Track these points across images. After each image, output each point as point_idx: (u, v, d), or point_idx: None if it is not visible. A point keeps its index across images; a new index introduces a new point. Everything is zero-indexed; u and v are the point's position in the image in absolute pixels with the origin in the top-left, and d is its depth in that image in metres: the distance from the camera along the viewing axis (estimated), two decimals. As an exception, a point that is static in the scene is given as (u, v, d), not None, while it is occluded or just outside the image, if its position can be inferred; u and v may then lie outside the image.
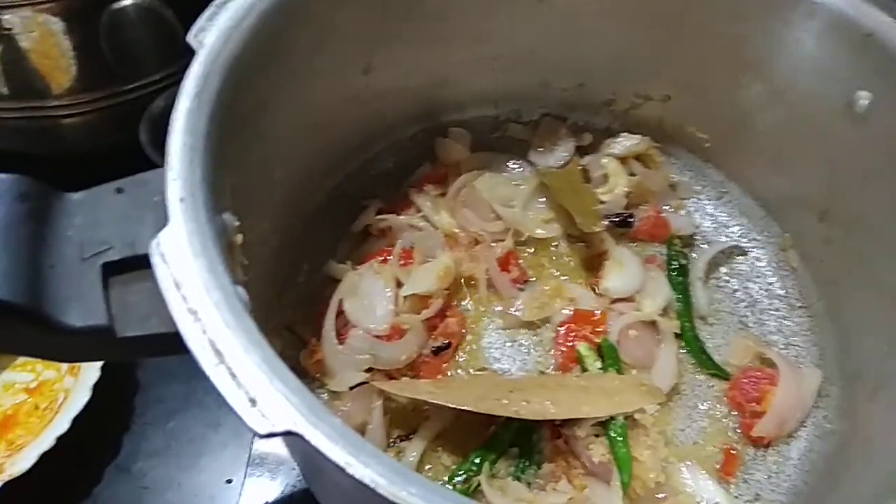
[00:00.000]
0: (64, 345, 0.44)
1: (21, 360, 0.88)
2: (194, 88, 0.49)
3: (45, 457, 0.75)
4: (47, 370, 0.87)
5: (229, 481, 0.82)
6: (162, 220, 0.45)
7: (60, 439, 0.77)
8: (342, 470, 0.35)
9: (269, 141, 0.61)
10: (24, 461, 0.75)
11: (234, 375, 0.37)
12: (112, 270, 0.45)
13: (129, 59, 0.94)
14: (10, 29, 0.86)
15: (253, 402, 0.37)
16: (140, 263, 0.45)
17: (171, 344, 0.43)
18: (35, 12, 0.86)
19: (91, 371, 0.81)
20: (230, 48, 0.53)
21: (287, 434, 0.36)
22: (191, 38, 0.52)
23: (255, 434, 0.36)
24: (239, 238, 0.51)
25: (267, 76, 0.58)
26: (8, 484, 0.74)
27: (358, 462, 0.35)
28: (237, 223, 0.51)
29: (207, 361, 0.38)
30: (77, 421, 0.78)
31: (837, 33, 0.66)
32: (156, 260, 0.41)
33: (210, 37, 0.53)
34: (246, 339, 0.39)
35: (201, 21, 0.53)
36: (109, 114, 0.97)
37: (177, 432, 0.86)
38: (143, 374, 0.90)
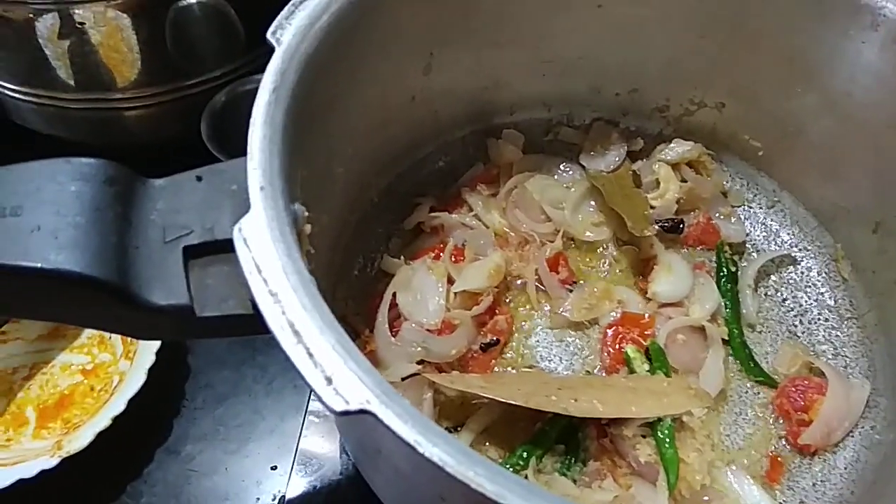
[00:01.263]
0: (147, 321, 0.46)
1: (79, 342, 0.91)
2: (272, 83, 0.51)
3: (101, 436, 0.78)
4: (103, 353, 0.90)
5: (274, 468, 0.84)
6: (239, 208, 0.47)
7: (116, 419, 0.79)
8: (413, 448, 0.37)
9: (333, 136, 0.63)
10: (81, 439, 0.78)
11: (311, 355, 0.39)
12: (192, 253, 0.47)
13: (192, 55, 0.97)
14: (82, 24, 0.89)
15: (329, 380, 0.38)
16: (218, 248, 0.47)
17: (248, 325, 0.45)
18: (106, 8, 0.89)
19: (147, 355, 0.84)
20: (305, 46, 0.55)
21: (360, 412, 0.38)
22: (270, 35, 0.55)
23: (331, 411, 0.38)
24: (308, 228, 0.53)
25: (336, 74, 0.60)
26: (65, 461, 0.76)
27: (427, 441, 0.37)
28: (307, 213, 0.53)
29: (287, 341, 0.39)
30: (132, 403, 0.80)
31: (899, 45, 0.66)
32: (238, 244, 0.43)
33: (287, 35, 0.55)
34: (321, 321, 0.41)
35: (280, 19, 0.56)
36: (171, 107, 1.00)
37: (225, 418, 0.88)
38: (194, 360, 0.92)
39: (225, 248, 0.46)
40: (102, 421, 0.79)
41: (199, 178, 0.51)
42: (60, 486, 0.78)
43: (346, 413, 0.38)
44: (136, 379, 0.83)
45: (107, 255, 0.44)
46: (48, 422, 0.85)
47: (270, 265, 0.42)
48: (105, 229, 0.45)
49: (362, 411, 0.38)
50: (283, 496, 0.79)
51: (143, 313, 0.45)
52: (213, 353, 0.93)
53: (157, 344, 0.84)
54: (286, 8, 0.56)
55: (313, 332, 0.40)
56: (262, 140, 0.48)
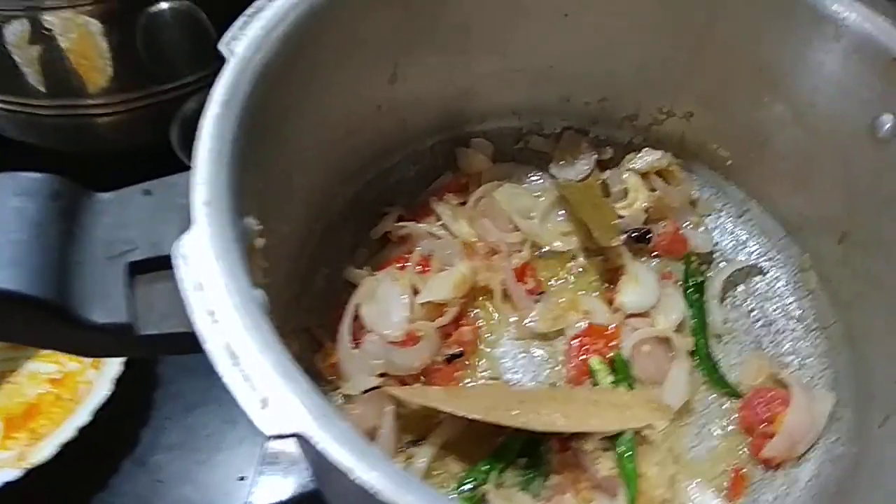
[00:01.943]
0: (86, 340, 0.45)
1: (46, 350, 0.90)
2: (223, 96, 0.51)
3: (65, 447, 0.77)
4: (71, 362, 0.89)
5: (242, 478, 0.84)
6: (186, 223, 0.46)
7: (81, 430, 0.78)
8: (345, 474, 0.36)
9: (292, 147, 0.62)
10: (45, 450, 0.77)
11: (247, 377, 0.39)
12: (136, 269, 0.47)
13: (164, 61, 0.96)
14: (50, 30, 0.88)
15: (265, 403, 0.38)
16: (163, 264, 0.46)
17: (190, 343, 0.44)
18: (75, 14, 0.88)
19: (113, 365, 0.83)
20: (259, 57, 0.55)
21: (295, 436, 0.37)
22: (222, 46, 0.54)
23: (264, 435, 0.37)
24: (260, 242, 0.52)
25: (294, 84, 0.60)
26: (30, 472, 0.75)
27: (362, 467, 0.36)
28: (259, 227, 0.52)
29: (222, 362, 0.39)
30: (98, 413, 0.80)
31: (862, 56, 0.66)
32: (178, 262, 0.42)
33: (240, 46, 0.54)
34: (261, 342, 0.40)
35: (233, 30, 0.55)
36: (143, 114, 0.99)
37: (194, 428, 0.87)
38: (164, 369, 0.91)
39: (170, 264, 0.45)
40: (67, 432, 0.79)
41: (147, 192, 0.50)
42: (25, 499, 0.78)
43: (280, 437, 0.37)
44: (102, 389, 0.82)
45: (46, 273, 0.44)
46: (14, 432, 0.84)
47: (210, 283, 0.42)
48: (46, 246, 0.45)
49: (297, 435, 0.37)
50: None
51: (82, 332, 0.44)
52: (182, 361, 0.92)
53: (123, 354, 0.83)
54: (240, 18, 0.56)
55: (251, 353, 0.40)
56: (208, 154, 0.48)
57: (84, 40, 0.90)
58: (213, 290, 0.41)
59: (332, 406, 0.39)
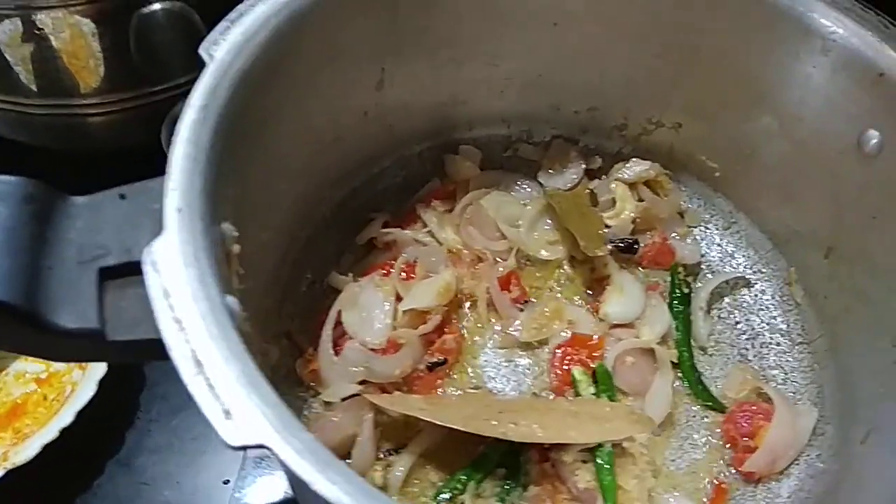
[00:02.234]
0: (55, 345, 0.45)
1: (33, 350, 0.90)
2: (201, 101, 0.51)
3: (48, 448, 0.77)
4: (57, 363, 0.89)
5: (226, 482, 0.83)
6: (160, 228, 0.46)
7: (64, 431, 0.78)
8: (308, 486, 0.36)
9: (274, 153, 0.62)
10: (27, 451, 0.77)
11: (211, 386, 0.38)
12: (108, 275, 0.46)
13: (157, 62, 0.96)
14: (42, 29, 0.88)
15: (227, 413, 0.38)
16: (135, 269, 0.46)
17: (159, 350, 0.44)
18: (67, 14, 0.88)
19: (99, 366, 0.83)
20: (240, 63, 0.54)
21: (258, 447, 0.37)
22: (202, 50, 0.54)
23: (227, 445, 0.37)
24: (236, 248, 0.52)
25: (275, 90, 0.59)
26: (11, 473, 0.75)
27: (325, 479, 0.36)
28: (236, 234, 0.52)
29: (187, 370, 0.39)
30: (82, 414, 0.79)
31: (850, 71, 0.66)
32: (147, 268, 0.42)
33: (220, 50, 0.54)
34: (227, 351, 0.40)
35: (214, 35, 0.55)
36: (135, 114, 0.99)
37: (179, 430, 0.87)
38: (150, 370, 0.91)
39: (141, 270, 0.45)
40: (50, 433, 0.78)
41: (122, 196, 0.50)
42: (7, 499, 0.77)
43: (243, 448, 0.37)
44: (86, 390, 0.82)
45: (15, 277, 0.43)
46: (-1, 431, 0.84)
47: (179, 290, 0.41)
48: (17, 249, 0.44)
49: (260, 446, 0.37)
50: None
51: (51, 337, 0.44)
52: (168, 364, 0.91)
53: (107, 355, 0.82)
54: (221, 23, 0.55)
55: (217, 363, 0.39)
56: (183, 159, 0.47)
57: (76, 40, 0.90)
58: (180, 298, 0.41)
59: (296, 418, 0.39)
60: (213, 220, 0.48)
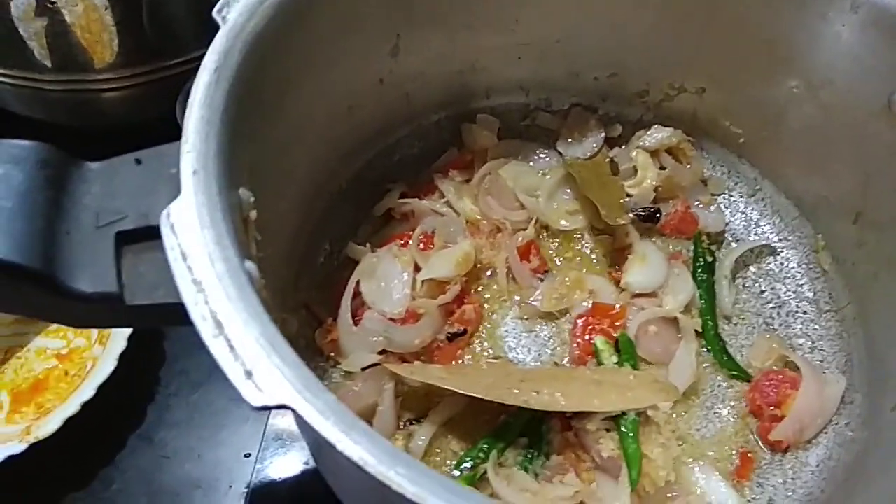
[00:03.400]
0: (74, 309, 0.45)
1: (54, 326, 0.90)
2: (214, 63, 0.50)
3: (70, 422, 0.77)
4: (78, 338, 0.89)
5: (247, 455, 0.83)
6: (177, 192, 0.45)
7: (85, 406, 0.78)
8: (332, 446, 0.35)
9: (290, 120, 0.61)
10: (49, 425, 0.77)
11: (232, 347, 0.38)
12: (126, 239, 0.46)
13: (170, 36, 0.95)
14: (54, 3, 0.87)
15: (249, 374, 0.37)
16: (153, 234, 0.45)
17: (178, 314, 0.44)
18: (79, -13, 0.87)
19: (118, 341, 0.83)
20: (253, 25, 0.53)
21: (280, 407, 0.36)
22: (216, 13, 0.53)
23: (250, 406, 0.36)
24: (254, 214, 0.51)
25: (290, 55, 0.58)
26: (34, 447, 0.75)
27: (348, 439, 0.35)
28: (253, 199, 0.51)
29: (207, 332, 0.38)
30: (103, 389, 0.79)
31: (880, 29, 0.64)
32: (165, 230, 0.42)
33: (234, 13, 0.53)
34: (247, 313, 0.39)
35: (227, -3, 0.54)
36: (150, 89, 0.99)
37: (200, 404, 0.87)
38: (170, 345, 0.91)
39: (159, 233, 0.44)
40: (71, 407, 0.79)
41: (138, 161, 0.49)
42: (30, 472, 0.78)
43: (265, 408, 0.36)
44: (106, 365, 0.82)
45: (32, 241, 0.43)
46: (22, 406, 0.84)
47: (197, 253, 0.41)
48: (33, 214, 0.44)
49: (282, 406, 0.36)
50: (252, 483, 0.78)
51: (69, 301, 0.43)
52: (188, 338, 0.89)
53: (128, 329, 0.83)
54: (234, -14, 0.54)
55: (236, 324, 0.39)
56: (198, 122, 0.46)
57: (89, 13, 0.89)
58: (199, 260, 0.41)
59: (317, 378, 0.38)
60: (229, 183, 0.47)
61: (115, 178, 0.48)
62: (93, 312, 0.45)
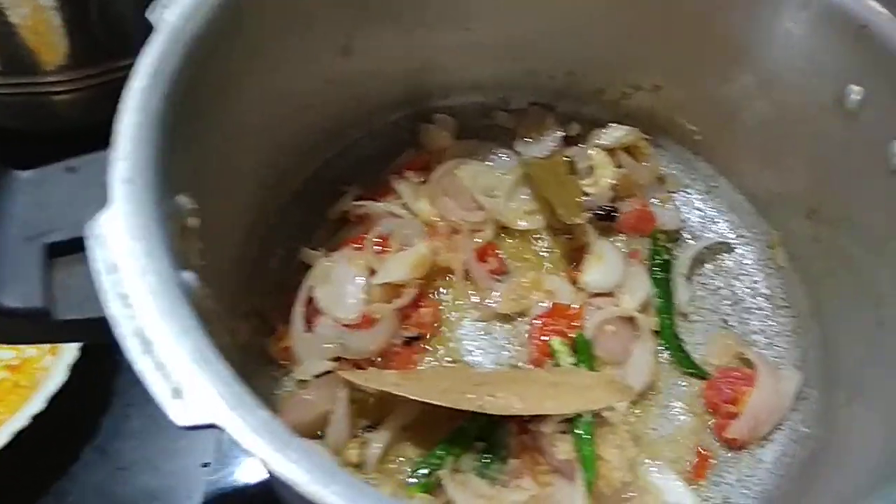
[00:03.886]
0: (1, 326, 0.43)
1: (3, 336, 0.88)
2: (150, 67, 0.48)
3: (21, 435, 0.75)
4: (29, 348, 0.86)
5: (206, 465, 0.82)
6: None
7: (36, 418, 0.76)
8: (265, 464, 0.34)
9: (235, 123, 0.60)
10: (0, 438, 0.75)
11: (161, 365, 0.36)
12: (56, 252, 0.44)
13: (122, 36, 0.93)
14: (0, 3, 0.85)
15: (177, 392, 0.36)
16: (84, 245, 0.44)
17: (110, 329, 0.42)
18: (24, -13, 0.84)
19: (70, 350, 0.81)
20: (192, 26, 0.52)
21: (210, 426, 0.35)
22: (148, 14, 0.51)
23: (177, 425, 0.35)
24: (194, 222, 0.50)
25: (232, 56, 0.57)
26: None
27: (282, 457, 0.34)
28: (193, 206, 0.50)
29: (134, 350, 0.37)
30: (55, 400, 0.77)
31: (830, 25, 0.64)
32: (91, 242, 0.40)
33: (171, 14, 0.51)
34: (178, 328, 0.38)
35: (164, -2, 0.52)
36: (103, 91, 0.96)
37: (156, 415, 0.82)
38: (124, 355, 0.89)
39: (91, 245, 0.43)
40: (20, 420, 0.76)
41: (71, 170, 0.48)
42: (-19, 487, 0.76)
43: (193, 427, 0.35)
44: (57, 376, 0.80)
45: (-46, 255, 0.41)
46: (-28, 420, 0.82)
47: (126, 265, 0.39)
48: (-44, 226, 0.42)
49: (211, 425, 0.35)
50: (210, 493, 0.77)
51: (-6, 317, 0.42)
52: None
53: (78, 340, 0.80)
54: (170, -14, 0.53)
55: (166, 340, 0.37)
56: (131, 128, 0.45)
57: (35, 15, 0.87)
58: (128, 273, 0.39)
59: (253, 394, 0.37)
60: (166, 191, 0.46)
61: (45, 188, 0.46)
62: (19, 328, 0.44)
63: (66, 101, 0.97)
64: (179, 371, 0.36)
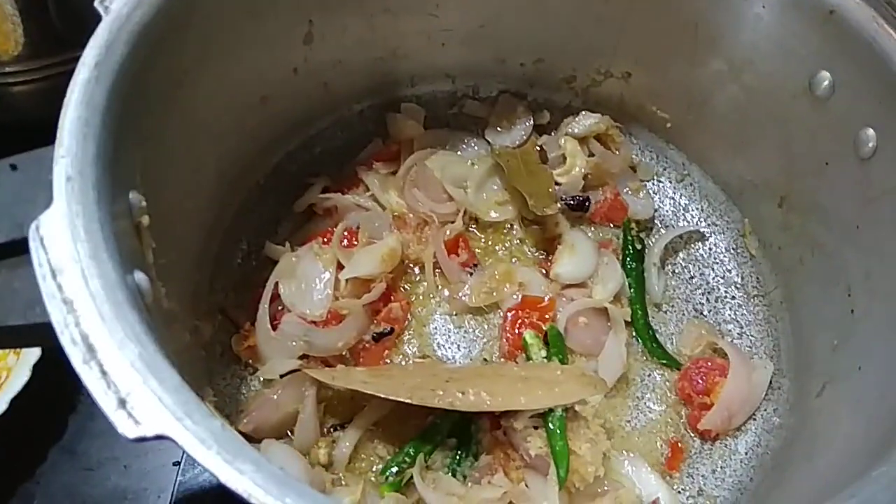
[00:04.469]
0: (-60, 334, 0.41)
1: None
2: (94, 58, 0.46)
3: (-12, 437, 0.73)
4: (-11, 348, 0.84)
5: (176, 463, 0.80)
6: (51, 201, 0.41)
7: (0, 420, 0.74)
8: (217, 476, 0.33)
9: (192, 115, 0.58)
10: (-39, 442, 0.73)
11: (104, 373, 0.35)
12: (-2, 253, 0.42)
13: (79, 25, 0.89)
14: (-53, -8, 0.82)
15: (123, 402, 0.34)
16: (28, 247, 0.42)
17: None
18: (-30, -27, 0.81)
19: (32, 351, 0.79)
20: (140, 14, 0.50)
21: (158, 438, 0.33)
22: (97, 3, 0.49)
23: (124, 437, 0.33)
24: (146, 220, 0.48)
25: (185, 45, 0.55)
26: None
27: (232, 469, 0.33)
28: (145, 203, 0.48)
29: (76, 357, 0.35)
30: (16, 401, 0.75)
31: (799, 11, 0.63)
32: (33, 244, 0.38)
33: (118, 2, 0.49)
34: (123, 334, 0.36)
35: (109, -15, 0.50)
36: (62, 81, 0.92)
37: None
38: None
39: (33, 247, 0.41)
40: (-17, 423, 0.74)
41: (13, 167, 0.45)
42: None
43: (141, 439, 0.33)
44: (19, 377, 0.78)
45: None
46: (-70, 424, 0.79)
47: (68, 269, 0.37)
48: None
49: (160, 437, 0.33)
50: (179, 491, 0.75)
51: (-69, 325, 0.39)
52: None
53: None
54: (117, -28, 0.50)
55: (110, 347, 0.35)
56: (74, 123, 0.43)
57: (-14, 3, 0.84)
58: (71, 277, 0.37)
59: (202, 403, 0.35)
60: (113, 189, 0.44)
61: (-15, 187, 0.44)
62: (-40, 336, 0.42)
63: (24, 93, 0.94)
64: (124, 379, 0.35)
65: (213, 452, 0.33)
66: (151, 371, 0.35)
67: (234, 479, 0.33)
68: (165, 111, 0.53)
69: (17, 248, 0.43)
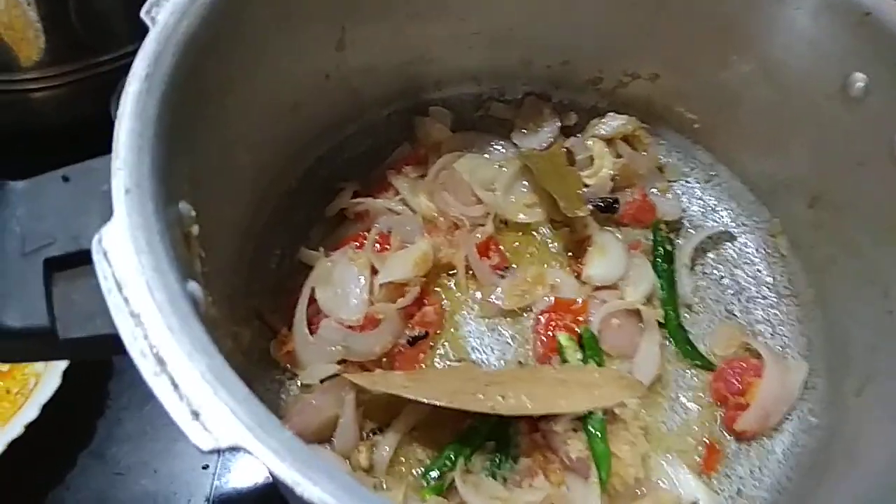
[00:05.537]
0: (4, 346, 0.41)
1: (-9, 343, 0.85)
2: (144, 70, 0.46)
3: (14, 444, 0.73)
4: (18, 354, 0.84)
5: (206, 467, 0.81)
6: (109, 212, 0.42)
7: (30, 426, 0.74)
8: (290, 489, 0.33)
9: (232, 123, 0.58)
10: (-7, 447, 0.73)
11: (176, 385, 0.35)
12: (56, 266, 0.42)
13: (101, 31, 0.91)
14: (-28, -1, 0.82)
15: (196, 414, 0.34)
16: (85, 258, 0.42)
17: (118, 346, 0.41)
18: (-2, -19, 0.82)
19: (60, 356, 0.79)
20: (186, 25, 0.50)
21: (233, 449, 0.34)
22: (144, 14, 0.49)
23: (199, 450, 0.34)
24: (195, 229, 0.48)
25: (227, 55, 0.55)
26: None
27: (307, 481, 0.33)
28: (194, 213, 0.48)
29: (148, 370, 0.35)
30: (48, 407, 0.76)
31: (834, 12, 0.63)
32: (97, 258, 0.38)
33: (164, 13, 0.49)
34: (191, 346, 0.36)
35: (155, -4, 0.50)
36: (82, 87, 0.94)
37: (152, 417, 0.84)
38: (117, 359, 0.87)
39: (92, 258, 0.41)
40: (14, 429, 0.75)
41: (65, 179, 0.46)
42: (-25, 498, 0.74)
43: (216, 451, 0.34)
44: (50, 383, 0.78)
45: (-50, 274, 0.39)
46: (-40, 430, 0.80)
47: (134, 281, 0.38)
48: (-50, 243, 0.40)
49: (234, 448, 0.34)
50: (214, 495, 0.76)
51: (-3, 338, 0.40)
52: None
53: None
54: (163, -17, 0.50)
55: (180, 359, 0.36)
56: (129, 135, 0.43)
57: (10, 10, 0.84)
58: (136, 289, 0.37)
59: (271, 413, 0.36)
60: (167, 200, 0.44)
61: (41, 199, 0.44)
62: (23, 348, 0.42)
63: (45, 98, 0.95)
64: (196, 391, 0.35)
65: (286, 464, 0.33)
66: (221, 382, 0.35)
67: (309, 490, 0.33)
68: (209, 120, 0.54)
69: (74, 261, 0.43)
